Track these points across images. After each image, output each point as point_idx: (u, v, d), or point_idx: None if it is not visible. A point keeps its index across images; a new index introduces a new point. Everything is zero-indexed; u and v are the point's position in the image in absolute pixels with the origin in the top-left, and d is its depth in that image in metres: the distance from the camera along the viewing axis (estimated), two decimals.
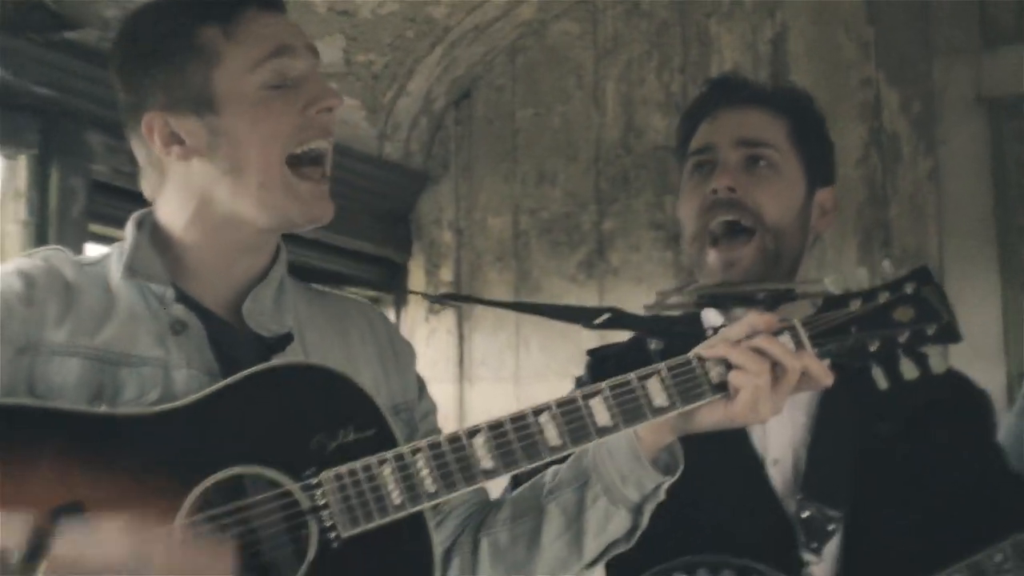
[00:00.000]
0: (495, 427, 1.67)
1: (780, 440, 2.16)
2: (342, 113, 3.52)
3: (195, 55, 1.75)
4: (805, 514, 2.12)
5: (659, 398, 1.70)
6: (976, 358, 2.59)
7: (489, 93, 3.87)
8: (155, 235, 1.82)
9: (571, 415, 1.68)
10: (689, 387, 1.71)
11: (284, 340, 1.81)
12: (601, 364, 2.31)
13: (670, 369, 1.70)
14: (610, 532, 1.82)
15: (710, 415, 1.74)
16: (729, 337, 1.75)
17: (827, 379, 1.73)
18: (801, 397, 2.18)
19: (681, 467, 1.82)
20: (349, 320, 1.96)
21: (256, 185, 1.75)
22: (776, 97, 2.29)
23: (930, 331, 1.73)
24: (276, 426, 1.66)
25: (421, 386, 2.00)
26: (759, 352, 1.71)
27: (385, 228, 3.83)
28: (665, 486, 1.80)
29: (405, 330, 3.76)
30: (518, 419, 1.67)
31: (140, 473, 1.59)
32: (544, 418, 1.67)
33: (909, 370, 1.74)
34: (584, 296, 3.61)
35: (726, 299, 2.18)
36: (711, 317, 2.24)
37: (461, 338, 3.81)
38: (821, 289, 2.03)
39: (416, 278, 3.90)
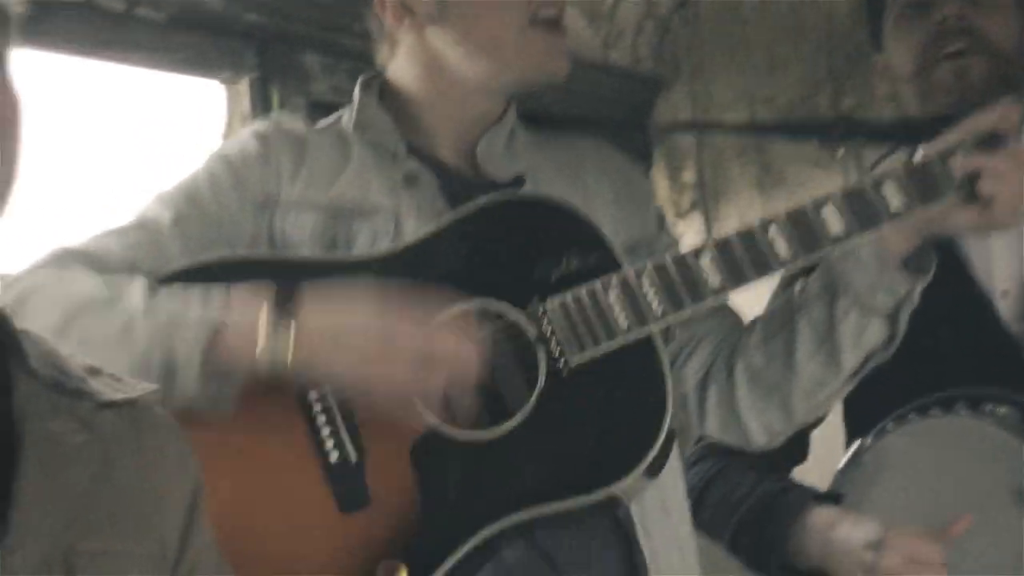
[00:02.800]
0: (722, 244, 1.62)
1: (1008, 271, 2.05)
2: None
3: None
4: None
5: (896, 200, 1.60)
6: None
7: None
8: (385, 95, 1.88)
9: (801, 226, 1.60)
10: (929, 188, 1.60)
11: (516, 183, 1.82)
12: None
13: (908, 171, 1.61)
14: (866, 343, 1.75)
15: (963, 219, 1.64)
16: (975, 128, 1.64)
17: None
18: None
19: (933, 267, 1.73)
20: (583, 161, 1.94)
21: (490, 46, 1.78)
22: None
23: None
24: (500, 259, 1.68)
25: (661, 220, 1.98)
26: (1014, 157, 1.59)
27: (621, 136, 3.82)
28: (918, 289, 1.72)
29: None
30: (745, 234, 1.61)
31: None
32: (773, 231, 1.60)
33: None
34: (829, 180, 3.47)
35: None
36: None
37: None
38: None
39: (659, 183, 3.86)
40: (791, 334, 1.78)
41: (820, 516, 1.97)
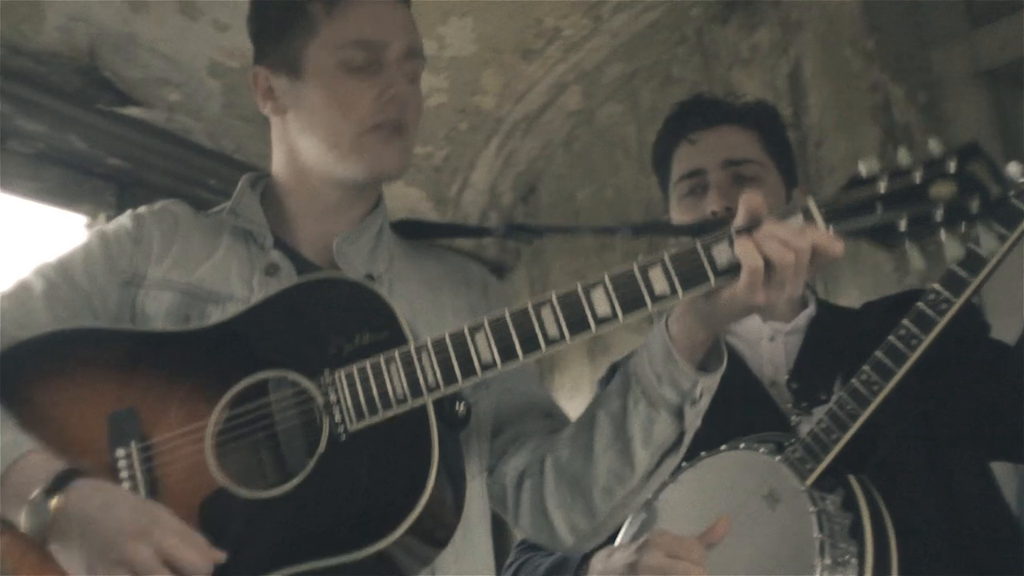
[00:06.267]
0: (496, 322, 1.67)
1: (775, 367, 2.32)
2: (410, 203, 3.85)
3: (299, 23, 1.91)
4: (794, 385, 2.24)
5: (660, 285, 1.63)
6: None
7: (551, 183, 4.16)
8: (267, 192, 2.01)
9: (571, 307, 1.65)
10: (692, 273, 1.63)
11: (366, 280, 1.89)
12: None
13: (673, 258, 1.64)
14: (656, 439, 1.78)
15: (732, 302, 1.65)
16: (735, 225, 1.66)
17: (836, 248, 1.61)
18: (793, 339, 2.35)
19: (723, 366, 1.76)
20: (445, 273, 2.02)
21: (330, 141, 1.89)
22: (745, 112, 2.46)
23: (973, 206, 1.54)
24: (301, 334, 1.76)
25: None
26: (764, 241, 1.62)
27: None
28: (701, 387, 1.74)
29: None
30: (519, 314, 1.67)
31: (185, 379, 1.74)
32: (545, 312, 1.66)
33: (953, 248, 1.57)
34: None
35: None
36: None
37: None
38: None
39: None
40: (591, 425, 1.83)
41: (599, 555, 2.10)
